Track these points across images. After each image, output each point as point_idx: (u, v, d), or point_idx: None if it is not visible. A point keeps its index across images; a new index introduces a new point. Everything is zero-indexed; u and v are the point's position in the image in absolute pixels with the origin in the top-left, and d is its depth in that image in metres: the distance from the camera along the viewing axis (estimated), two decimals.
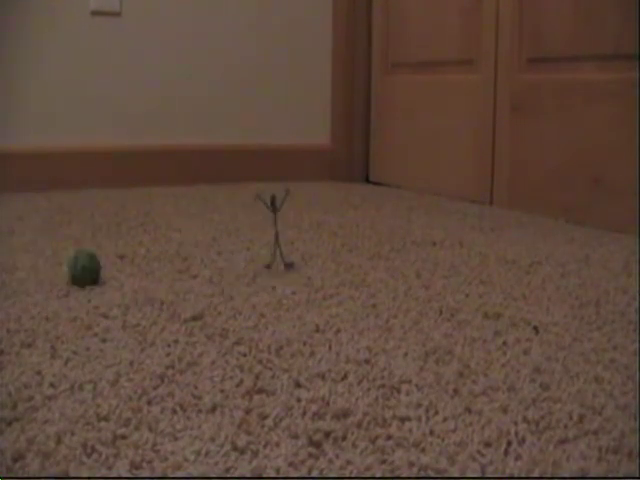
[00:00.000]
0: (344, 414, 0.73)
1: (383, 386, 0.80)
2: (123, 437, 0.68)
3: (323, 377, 0.83)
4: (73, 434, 0.68)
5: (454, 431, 0.71)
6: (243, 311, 1.07)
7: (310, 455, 0.66)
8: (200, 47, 2.42)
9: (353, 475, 0.63)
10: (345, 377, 0.83)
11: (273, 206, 1.28)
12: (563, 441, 0.69)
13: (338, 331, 0.99)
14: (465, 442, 0.68)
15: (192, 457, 0.65)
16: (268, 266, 1.30)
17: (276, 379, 0.82)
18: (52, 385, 0.79)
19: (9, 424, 0.70)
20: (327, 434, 0.69)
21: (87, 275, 1.17)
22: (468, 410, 0.75)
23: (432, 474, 0.63)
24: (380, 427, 0.71)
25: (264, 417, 0.73)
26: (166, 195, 2.14)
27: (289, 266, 1.31)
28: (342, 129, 2.59)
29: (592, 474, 0.63)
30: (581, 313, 1.09)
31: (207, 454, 0.65)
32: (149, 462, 0.64)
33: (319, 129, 2.61)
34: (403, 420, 0.73)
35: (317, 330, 0.99)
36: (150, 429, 0.70)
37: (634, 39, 1.67)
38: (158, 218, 1.77)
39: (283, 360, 0.88)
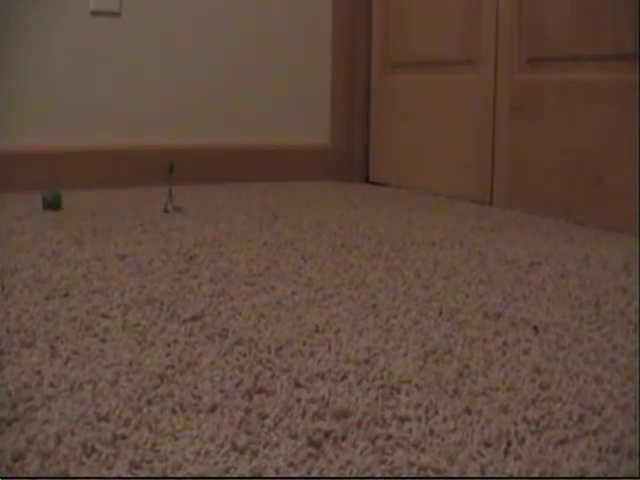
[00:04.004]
0: (344, 414, 0.73)
1: (383, 386, 0.80)
2: (123, 437, 0.68)
3: (323, 377, 0.83)
4: (73, 434, 0.68)
5: (454, 431, 0.71)
6: (243, 311, 1.07)
7: (310, 455, 0.66)
8: (200, 47, 2.42)
9: (353, 475, 0.63)
10: (345, 377, 0.83)
11: (171, 170, 1.84)
12: (563, 441, 0.69)
13: (338, 331, 0.99)
14: (465, 442, 0.68)
15: (192, 457, 0.65)
16: (165, 210, 1.83)
17: (276, 379, 0.82)
18: (52, 385, 0.79)
19: (9, 424, 0.70)
20: (327, 434, 0.69)
21: (55, 203, 1.88)
22: (468, 410, 0.75)
23: (432, 474, 0.63)
24: (380, 427, 0.71)
25: (264, 417, 0.73)
26: (166, 195, 2.14)
27: (179, 209, 1.85)
28: (342, 129, 2.59)
29: (592, 474, 0.63)
30: (581, 313, 1.09)
31: (207, 454, 0.65)
32: (149, 462, 0.64)
33: (319, 129, 2.61)
34: (403, 420, 0.73)
35: (317, 330, 0.99)
36: (150, 429, 0.70)
37: (634, 39, 1.67)
38: (158, 218, 1.77)
39: (283, 360, 0.88)
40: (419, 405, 0.76)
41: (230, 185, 2.39)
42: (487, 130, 2.08)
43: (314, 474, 0.63)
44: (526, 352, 0.92)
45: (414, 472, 0.63)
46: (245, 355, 0.89)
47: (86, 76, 2.28)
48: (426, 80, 2.33)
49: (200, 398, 0.77)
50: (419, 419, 0.73)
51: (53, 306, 1.07)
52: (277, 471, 0.63)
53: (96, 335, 0.96)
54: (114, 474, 0.62)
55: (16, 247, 1.44)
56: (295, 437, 0.69)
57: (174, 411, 0.74)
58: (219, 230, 1.64)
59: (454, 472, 0.63)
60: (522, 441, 0.69)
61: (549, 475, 0.63)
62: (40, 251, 1.41)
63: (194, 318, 1.03)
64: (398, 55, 2.45)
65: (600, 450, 0.67)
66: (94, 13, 2.28)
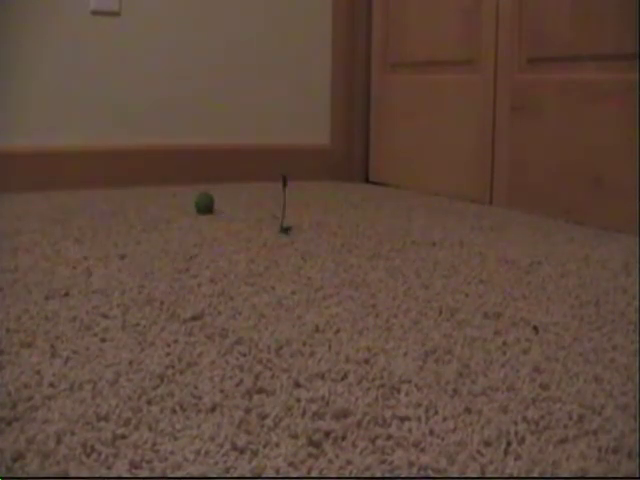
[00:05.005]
0: (344, 414, 0.73)
1: (383, 386, 0.80)
2: (123, 437, 0.68)
3: (323, 377, 0.83)
4: (73, 434, 0.68)
5: (454, 431, 0.71)
6: (243, 311, 1.07)
7: (310, 455, 0.66)
8: (200, 47, 2.42)
9: (353, 475, 0.63)
10: (345, 377, 0.83)
11: (284, 183, 1.67)
12: (563, 441, 0.69)
13: (338, 331, 0.99)
14: (465, 442, 0.68)
15: (192, 457, 0.65)
16: (283, 230, 1.63)
17: (276, 379, 0.82)
18: (52, 385, 0.79)
19: (9, 424, 0.70)
20: (327, 434, 0.69)
21: (207, 207, 1.87)
22: (468, 410, 0.75)
23: (432, 474, 0.63)
24: (380, 427, 0.71)
25: (264, 417, 0.73)
26: (166, 195, 2.14)
27: (286, 230, 1.64)
28: (342, 129, 2.59)
29: (592, 474, 0.63)
30: (581, 313, 1.09)
31: (207, 454, 0.65)
32: (149, 462, 0.64)
33: (319, 129, 2.61)
34: (403, 420, 0.73)
35: (317, 330, 0.99)
36: (150, 429, 0.70)
37: (634, 39, 1.67)
38: (158, 218, 1.77)
39: (283, 360, 0.88)
40: (419, 405, 0.76)
41: (230, 185, 2.39)
42: (487, 130, 2.08)
43: (314, 474, 0.63)
44: (526, 352, 0.92)
45: (414, 472, 0.63)
46: (245, 355, 0.89)
47: (86, 76, 2.28)
48: (426, 80, 2.33)
49: (200, 398, 0.77)
50: (419, 419, 0.73)
51: (53, 306, 1.07)
52: (277, 471, 0.63)
53: (96, 335, 0.96)
54: (114, 474, 0.62)
55: (16, 247, 1.44)
56: (295, 437, 0.69)
57: (174, 411, 0.74)
58: (219, 230, 1.64)
59: (454, 472, 0.63)
60: (522, 441, 0.69)
61: (549, 475, 0.63)
62: (40, 251, 1.41)
63: (194, 318, 1.03)
64: (398, 55, 2.45)
65: (600, 450, 0.67)
66: (94, 13, 2.28)
